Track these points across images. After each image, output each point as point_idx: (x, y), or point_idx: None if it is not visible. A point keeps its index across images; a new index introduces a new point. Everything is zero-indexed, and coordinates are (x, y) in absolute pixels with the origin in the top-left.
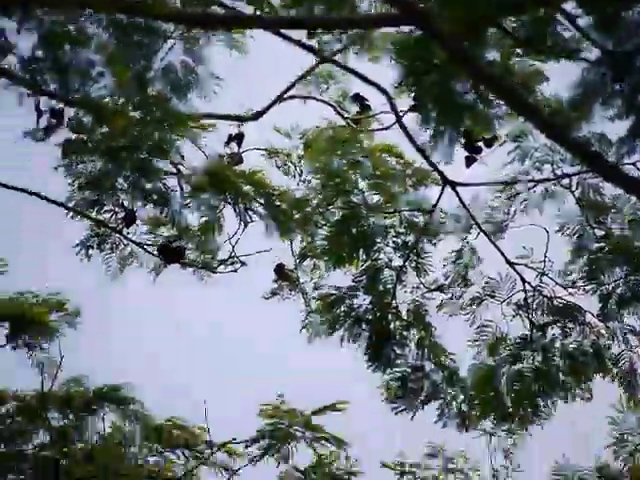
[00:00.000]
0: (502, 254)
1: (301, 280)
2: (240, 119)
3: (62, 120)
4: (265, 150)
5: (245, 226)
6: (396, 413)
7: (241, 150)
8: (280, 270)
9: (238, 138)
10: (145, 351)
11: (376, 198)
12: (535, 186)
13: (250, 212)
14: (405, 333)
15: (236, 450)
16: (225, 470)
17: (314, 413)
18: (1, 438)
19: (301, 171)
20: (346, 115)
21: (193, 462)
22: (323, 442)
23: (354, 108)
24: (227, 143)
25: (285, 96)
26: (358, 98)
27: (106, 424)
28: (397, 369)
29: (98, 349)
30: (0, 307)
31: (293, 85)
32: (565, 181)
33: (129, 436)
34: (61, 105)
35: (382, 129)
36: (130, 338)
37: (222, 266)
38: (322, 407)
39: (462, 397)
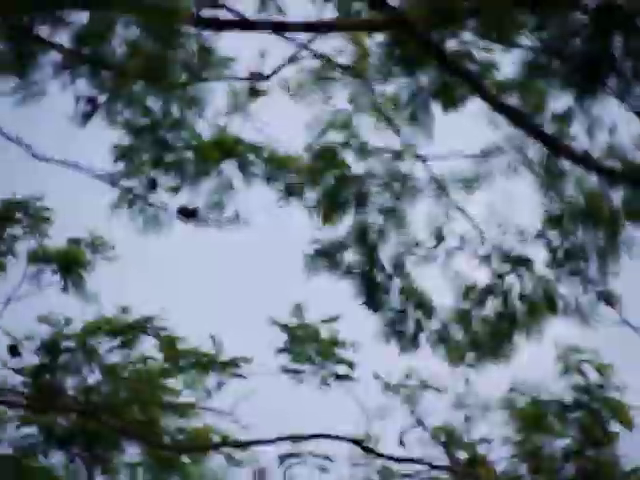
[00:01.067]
0: (469, 218)
1: None
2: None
3: (97, 107)
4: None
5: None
6: (399, 354)
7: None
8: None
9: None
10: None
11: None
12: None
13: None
14: (389, 283)
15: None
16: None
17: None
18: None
19: None
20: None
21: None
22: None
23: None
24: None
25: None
26: None
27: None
28: (387, 314)
29: None
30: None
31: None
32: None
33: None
34: (95, 93)
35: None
36: None
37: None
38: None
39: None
